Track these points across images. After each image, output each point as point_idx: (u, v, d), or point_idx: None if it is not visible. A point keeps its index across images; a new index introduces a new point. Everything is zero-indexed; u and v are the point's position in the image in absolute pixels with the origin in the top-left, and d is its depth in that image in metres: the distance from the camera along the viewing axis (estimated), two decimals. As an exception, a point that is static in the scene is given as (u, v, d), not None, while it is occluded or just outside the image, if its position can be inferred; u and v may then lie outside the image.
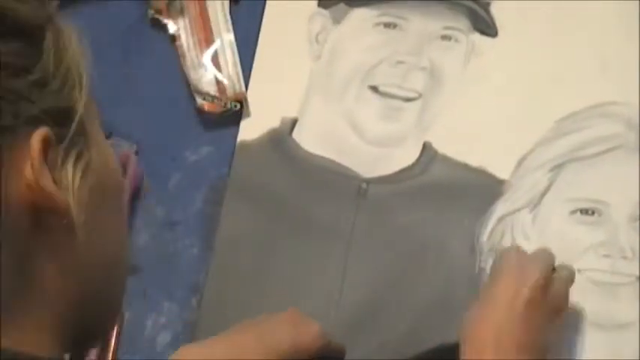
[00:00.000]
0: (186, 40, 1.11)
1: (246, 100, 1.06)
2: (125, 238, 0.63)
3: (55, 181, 0.53)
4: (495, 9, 1.06)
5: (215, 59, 1.10)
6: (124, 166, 1.03)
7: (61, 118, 0.55)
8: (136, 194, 1.06)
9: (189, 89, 1.07)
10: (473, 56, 1.06)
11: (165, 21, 1.11)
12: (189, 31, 1.11)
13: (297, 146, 1.05)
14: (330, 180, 1.03)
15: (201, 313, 1.01)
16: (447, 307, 0.97)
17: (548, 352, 0.85)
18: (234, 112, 1.07)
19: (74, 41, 0.57)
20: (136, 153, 1.06)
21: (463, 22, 1.06)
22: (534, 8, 1.05)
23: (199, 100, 1.07)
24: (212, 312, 1.02)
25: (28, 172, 0.52)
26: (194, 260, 1.05)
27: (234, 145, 1.07)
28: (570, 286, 0.89)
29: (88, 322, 0.58)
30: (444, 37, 1.06)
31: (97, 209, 0.57)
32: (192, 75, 1.08)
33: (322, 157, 1.04)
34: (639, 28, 1.04)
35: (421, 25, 1.06)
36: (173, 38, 1.09)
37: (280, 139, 1.06)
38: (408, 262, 1.00)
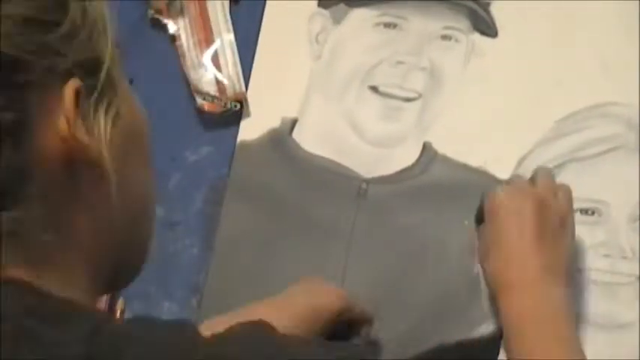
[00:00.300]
0: (186, 40, 1.11)
1: (246, 100, 1.06)
2: (152, 188, 0.63)
3: (87, 132, 0.54)
4: (495, 9, 1.07)
5: (215, 59, 1.10)
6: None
7: (90, 68, 0.55)
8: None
9: (189, 89, 1.08)
10: (473, 56, 1.07)
11: (165, 21, 1.11)
12: (189, 31, 1.11)
13: (297, 146, 1.05)
14: (330, 180, 1.03)
15: (201, 313, 1.01)
16: (447, 307, 0.98)
17: (566, 263, 0.88)
18: (234, 112, 1.08)
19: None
20: (136, 151, 1.05)
21: (463, 23, 1.07)
22: (534, 8, 1.06)
23: (199, 100, 1.08)
24: (212, 312, 1.00)
25: (62, 124, 0.53)
26: (194, 260, 1.06)
27: (234, 145, 1.08)
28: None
29: (121, 267, 0.60)
30: (444, 37, 1.06)
31: (127, 158, 0.58)
32: (193, 75, 1.09)
33: (322, 157, 1.04)
34: (639, 28, 1.04)
35: (421, 25, 1.07)
36: (173, 38, 1.10)
37: (280, 139, 1.06)
38: (408, 262, 1.00)
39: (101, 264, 0.58)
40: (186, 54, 1.10)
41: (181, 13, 1.12)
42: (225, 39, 1.10)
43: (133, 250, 0.62)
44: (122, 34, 1.12)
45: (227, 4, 1.11)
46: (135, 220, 0.61)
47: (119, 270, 0.60)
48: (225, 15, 1.12)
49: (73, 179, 0.55)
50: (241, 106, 1.08)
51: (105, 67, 0.57)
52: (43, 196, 0.53)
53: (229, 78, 1.09)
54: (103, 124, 0.56)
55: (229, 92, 1.08)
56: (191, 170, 1.09)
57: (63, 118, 0.53)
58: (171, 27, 1.11)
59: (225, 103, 1.08)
